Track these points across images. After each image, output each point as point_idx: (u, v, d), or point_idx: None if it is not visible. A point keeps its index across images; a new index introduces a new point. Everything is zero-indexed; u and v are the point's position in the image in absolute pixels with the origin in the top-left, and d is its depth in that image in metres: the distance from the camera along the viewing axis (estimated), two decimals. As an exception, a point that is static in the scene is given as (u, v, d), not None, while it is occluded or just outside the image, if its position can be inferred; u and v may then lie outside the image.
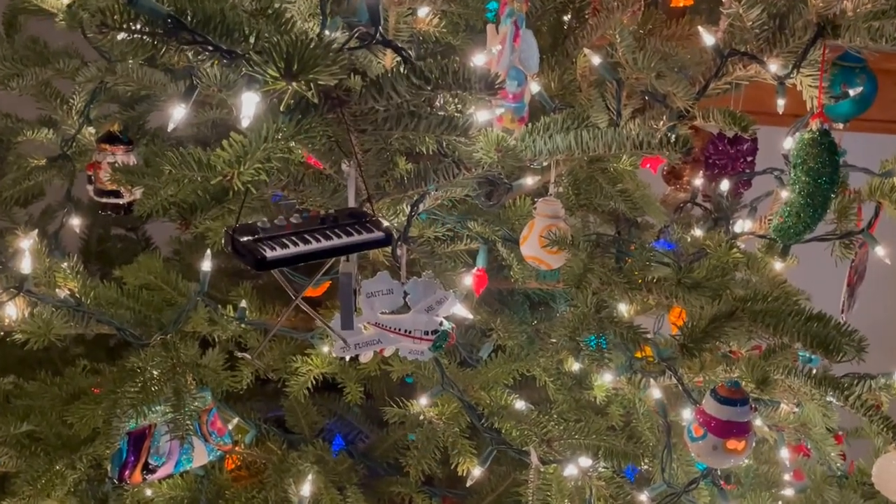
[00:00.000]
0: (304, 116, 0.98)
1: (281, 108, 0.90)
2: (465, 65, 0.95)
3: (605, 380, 1.76)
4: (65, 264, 1.57)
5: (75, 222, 1.89)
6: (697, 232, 1.84)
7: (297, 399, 1.71)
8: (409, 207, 1.40)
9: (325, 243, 1.03)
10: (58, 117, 1.87)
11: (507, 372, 1.68)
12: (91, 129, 1.81)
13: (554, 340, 1.69)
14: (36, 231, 1.52)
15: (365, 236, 1.07)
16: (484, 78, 0.95)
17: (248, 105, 0.90)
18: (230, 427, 1.72)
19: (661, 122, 1.49)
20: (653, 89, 1.48)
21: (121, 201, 1.71)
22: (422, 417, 1.64)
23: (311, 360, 1.69)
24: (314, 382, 1.73)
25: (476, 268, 1.63)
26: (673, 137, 1.13)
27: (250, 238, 1.00)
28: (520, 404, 1.69)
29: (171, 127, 1.27)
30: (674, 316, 1.76)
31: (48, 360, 2.04)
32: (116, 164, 1.65)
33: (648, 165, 1.87)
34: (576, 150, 1.20)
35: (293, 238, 1.02)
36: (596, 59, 1.50)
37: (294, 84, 0.85)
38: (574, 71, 1.58)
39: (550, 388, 1.68)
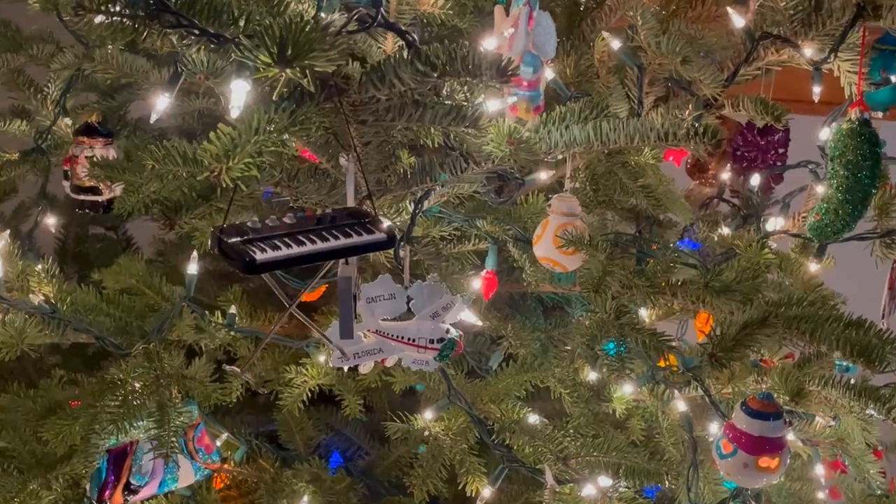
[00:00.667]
0: (299, 106, 0.97)
1: (273, 98, 0.88)
2: (474, 50, 0.94)
3: (626, 391, 1.75)
4: (39, 267, 1.56)
5: (50, 221, 1.88)
6: (725, 230, 1.84)
7: (292, 413, 1.69)
8: (412, 205, 1.38)
9: (321, 245, 1.01)
10: (32, 107, 1.86)
11: (519, 383, 1.66)
12: (67, 121, 1.80)
13: (569, 348, 1.67)
14: (7, 231, 1.51)
15: (365, 238, 1.06)
16: (495, 64, 0.94)
17: (238, 94, 0.89)
18: (219, 444, 1.71)
19: (687, 112, 1.48)
20: (677, 76, 1.47)
21: (99, 198, 1.70)
22: (427, 433, 1.63)
23: (307, 370, 1.67)
24: (310, 394, 1.72)
25: (485, 270, 1.61)
26: (700, 128, 1.11)
27: (239, 239, 0.98)
28: (533, 418, 1.67)
29: (153, 118, 1.25)
30: (700, 322, 1.74)
31: (21, 371, 2.04)
32: (94, 159, 1.63)
33: (671, 158, 1.86)
34: (595, 143, 1.18)
35: (286, 239, 1.00)
36: (615, 44, 1.50)
37: (288, 71, 0.84)
38: (591, 56, 1.57)
39: (566, 400, 1.67)
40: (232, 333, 1.62)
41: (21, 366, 2.05)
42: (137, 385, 1.44)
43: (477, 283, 1.60)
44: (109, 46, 1.59)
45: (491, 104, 1.19)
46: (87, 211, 1.72)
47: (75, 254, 2.34)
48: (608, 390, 1.77)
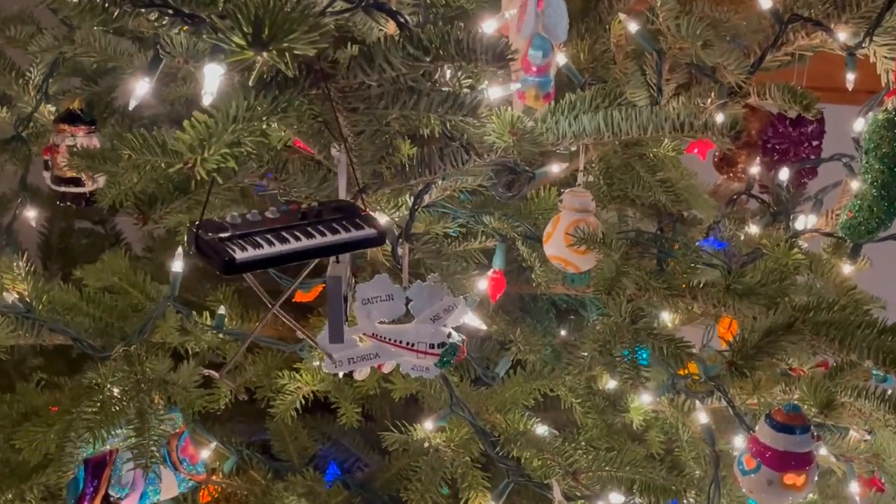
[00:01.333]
0: (282, 92, 0.95)
1: (250, 83, 0.87)
2: (470, 32, 0.92)
3: (643, 401, 1.73)
4: (17, 263, 1.55)
5: (31, 214, 1.87)
6: (753, 229, 1.81)
7: (285, 421, 1.68)
8: (411, 199, 1.36)
9: (305, 242, 1.00)
10: (12, 93, 1.85)
11: (527, 391, 1.65)
12: (50, 107, 1.79)
13: (585, 354, 1.65)
14: (-20, 225, 1.50)
15: (354, 234, 1.04)
16: (492, 47, 0.92)
17: (212, 79, 0.87)
18: (206, 454, 1.70)
19: (709, 100, 1.46)
20: (699, 62, 1.45)
21: (81, 190, 1.69)
22: (426, 444, 1.61)
23: (300, 375, 1.66)
24: (304, 402, 1.71)
25: (492, 269, 1.60)
26: (720, 118, 1.09)
27: (217, 236, 0.96)
28: (541, 429, 1.66)
29: (132, 104, 1.25)
30: (723, 327, 1.72)
31: (0, 373, 2.03)
32: (76, 148, 1.63)
33: (696, 151, 1.84)
34: (606, 134, 1.16)
35: (268, 236, 0.98)
36: (633, 27, 1.48)
37: (265, 54, 0.82)
38: (608, 40, 1.55)
39: (577, 410, 1.65)
40: (220, 336, 1.60)
41: (1, 367, 2.05)
42: (116, 390, 1.43)
43: (483, 284, 1.58)
44: (95, 28, 1.58)
45: (494, 91, 1.17)
46: (68, 204, 1.71)
47: (60, 249, 2.33)
48: (625, 400, 1.76)
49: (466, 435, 1.62)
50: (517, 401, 1.65)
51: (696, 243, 1.84)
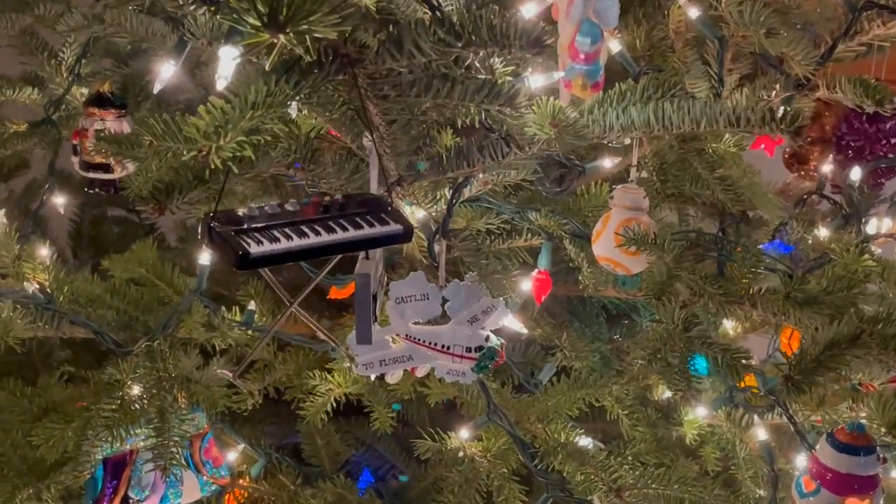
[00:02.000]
0: (305, 78, 0.95)
1: (266, 68, 0.86)
2: (505, 16, 0.90)
3: (699, 414, 1.71)
4: (43, 251, 1.56)
5: (59, 201, 1.88)
6: (822, 232, 1.78)
7: (316, 424, 1.68)
8: (449, 193, 1.35)
9: (325, 237, 0.99)
10: (45, 74, 1.87)
11: (570, 401, 1.63)
12: (84, 90, 1.81)
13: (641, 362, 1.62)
14: (3, 211, 1.51)
15: (378, 229, 1.03)
16: (527, 32, 0.90)
17: (226, 62, 0.87)
18: (234, 456, 1.70)
19: (773, 93, 1.42)
20: (764, 51, 1.42)
21: (111, 177, 1.70)
22: (461, 454, 1.60)
23: (332, 377, 1.66)
24: (337, 404, 1.70)
25: (537, 269, 1.58)
26: (780, 112, 1.06)
27: (232, 228, 0.96)
28: (585, 441, 1.63)
29: (156, 87, 1.25)
30: (784, 338, 1.68)
31: (27, 366, 2.06)
32: (104, 133, 1.64)
33: (763, 147, 1.81)
34: (656, 127, 1.14)
35: (286, 230, 0.98)
36: (693, 12, 1.45)
37: (282, 37, 0.81)
38: (666, 26, 1.53)
39: (624, 423, 1.62)
40: (249, 333, 1.60)
41: (28, 360, 2.08)
42: (137, 388, 1.43)
43: (527, 285, 1.56)
44: (127, 7, 1.59)
45: (535, 80, 1.16)
46: (96, 190, 1.72)
47: (91, 238, 2.35)
48: (679, 413, 1.73)
49: (504, 445, 1.60)
50: (560, 410, 1.63)
51: (760, 246, 1.81)
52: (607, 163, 1.62)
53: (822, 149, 1.98)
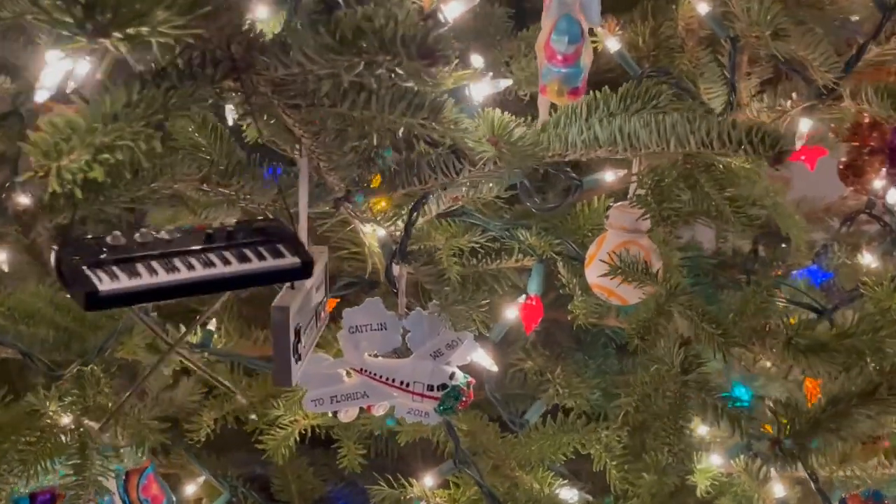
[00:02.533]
0: (181, 84, 0.84)
1: (97, 76, 0.75)
2: (395, 18, 0.78)
3: (713, 463, 1.58)
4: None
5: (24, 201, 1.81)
6: (866, 258, 1.64)
7: (278, 459, 1.58)
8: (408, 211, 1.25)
9: (200, 272, 0.87)
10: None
11: (555, 446, 1.50)
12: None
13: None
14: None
15: (268, 263, 0.91)
16: (419, 40, 0.77)
17: (51, 69, 0.76)
18: (191, 489, 1.62)
19: (789, 102, 1.30)
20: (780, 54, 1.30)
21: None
22: (423, 503, 1.49)
23: (298, 407, 1.56)
24: (312, 432, 1.61)
25: (527, 294, 1.48)
26: (759, 134, 0.93)
27: (87, 260, 0.85)
28: (569, 494, 1.51)
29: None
30: (810, 380, 1.55)
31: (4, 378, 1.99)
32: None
33: (803, 158, 1.68)
34: (621, 145, 1.01)
35: (153, 263, 0.86)
36: (703, 7, 1.35)
37: (108, 42, 0.70)
38: (675, 22, 1.44)
39: (612, 475, 1.49)
40: (206, 356, 1.52)
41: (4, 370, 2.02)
42: (63, 417, 1.35)
43: (512, 312, 1.46)
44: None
45: (478, 89, 1.05)
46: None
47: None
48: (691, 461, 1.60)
49: (475, 495, 1.49)
50: (546, 456, 1.51)
51: (794, 273, 1.68)
52: (608, 176, 1.50)
53: (883, 160, 1.84)
